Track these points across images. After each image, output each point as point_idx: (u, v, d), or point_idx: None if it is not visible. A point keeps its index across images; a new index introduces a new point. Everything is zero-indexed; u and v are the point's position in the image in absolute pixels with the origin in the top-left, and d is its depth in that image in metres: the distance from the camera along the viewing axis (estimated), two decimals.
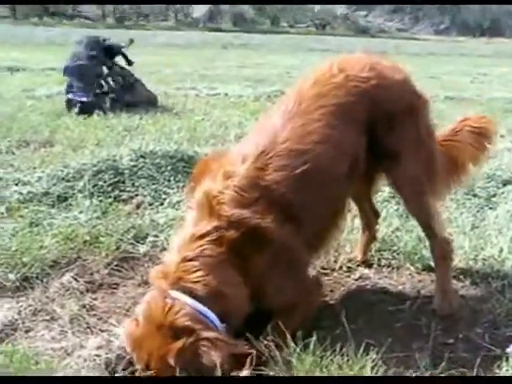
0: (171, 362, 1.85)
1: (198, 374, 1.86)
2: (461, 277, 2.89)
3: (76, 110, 6.76)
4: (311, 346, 2.01)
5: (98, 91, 7.08)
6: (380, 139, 2.45)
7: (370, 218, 3.06)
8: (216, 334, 1.93)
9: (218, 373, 1.83)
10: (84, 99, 6.87)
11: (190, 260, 2.05)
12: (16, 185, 3.90)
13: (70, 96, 6.94)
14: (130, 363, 2.05)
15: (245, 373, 1.90)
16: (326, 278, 2.86)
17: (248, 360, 1.93)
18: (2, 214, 3.43)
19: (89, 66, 7.14)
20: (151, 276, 2.17)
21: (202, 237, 2.09)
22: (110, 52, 7.51)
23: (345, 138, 2.35)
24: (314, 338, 2.06)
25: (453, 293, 2.66)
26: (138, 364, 1.97)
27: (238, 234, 2.10)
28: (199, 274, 2.03)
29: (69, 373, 2.04)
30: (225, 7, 46.61)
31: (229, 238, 2.09)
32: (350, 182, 2.46)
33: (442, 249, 2.64)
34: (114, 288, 2.76)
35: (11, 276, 2.72)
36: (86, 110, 6.74)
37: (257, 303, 2.18)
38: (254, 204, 2.14)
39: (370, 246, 3.09)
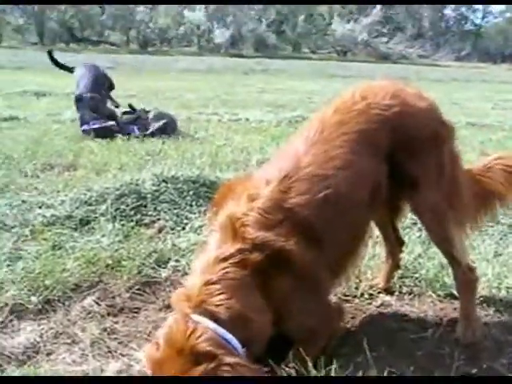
0: None
1: None
2: (484, 305, 2.85)
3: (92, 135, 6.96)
4: (332, 374, 1.99)
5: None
6: (401, 166, 2.44)
7: (394, 245, 3.03)
8: (238, 360, 1.90)
9: None
10: (97, 126, 7.03)
11: (213, 283, 2.03)
12: (40, 208, 3.95)
13: (86, 127, 7.08)
14: None
15: None
16: (348, 304, 2.84)
17: None
18: (26, 236, 3.47)
19: (99, 97, 7.39)
20: (173, 299, 2.16)
21: (225, 259, 2.08)
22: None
23: (366, 164, 2.35)
24: (335, 365, 2.04)
25: (477, 321, 2.62)
26: None
27: (261, 257, 2.08)
28: (222, 297, 2.00)
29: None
30: (247, 34, 47.20)
31: (252, 261, 2.08)
32: (371, 208, 2.45)
33: (465, 276, 2.60)
34: (136, 312, 2.77)
35: (34, 299, 2.75)
36: (101, 135, 6.91)
37: (278, 328, 2.16)
38: (278, 226, 2.14)
39: (393, 274, 3.06)
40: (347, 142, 2.31)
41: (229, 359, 1.87)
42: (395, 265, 3.04)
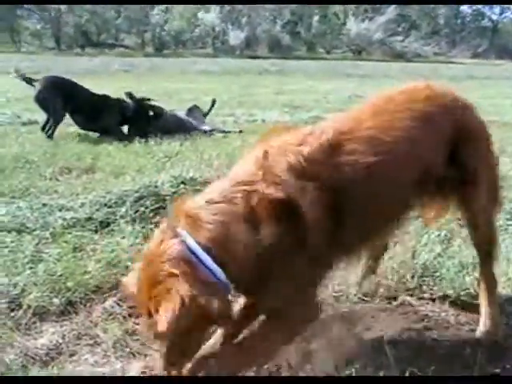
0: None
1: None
2: (505, 305, 2.82)
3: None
4: (353, 374, 1.99)
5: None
6: (461, 158, 2.41)
7: (378, 248, 3.01)
8: (193, 284, 1.74)
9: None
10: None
11: (216, 203, 1.89)
12: (60, 211, 3.99)
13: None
14: None
15: None
16: (367, 305, 2.83)
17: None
18: (47, 239, 3.50)
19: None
20: (173, 208, 2.01)
21: (239, 184, 1.93)
22: None
23: (426, 144, 2.29)
24: (357, 365, 2.04)
25: (498, 321, 2.60)
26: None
27: (276, 200, 1.89)
28: (217, 218, 1.86)
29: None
30: (261, 35, 47.22)
31: (265, 198, 1.89)
32: (415, 192, 2.35)
33: (490, 277, 2.61)
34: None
35: (56, 301, 2.78)
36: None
37: (252, 293, 2.03)
38: (310, 181, 1.94)
39: (367, 279, 2.99)
40: (412, 118, 2.25)
41: (182, 282, 1.73)
42: (372, 270, 3.01)
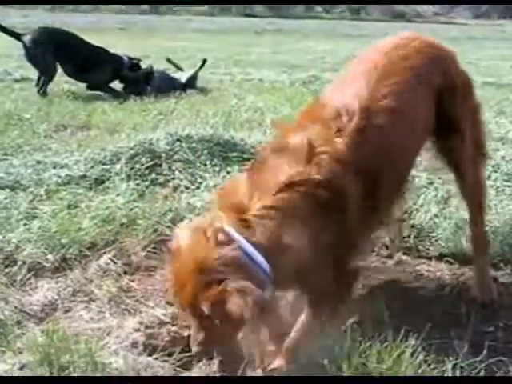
0: (205, 310, 1.75)
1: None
2: (501, 264, 2.83)
3: None
4: (349, 331, 1.99)
5: None
6: (445, 111, 2.39)
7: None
8: (246, 285, 1.74)
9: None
10: None
11: (271, 208, 1.87)
12: (54, 168, 3.95)
13: None
14: (168, 343, 2.07)
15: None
16: (364, 263, 2.83)
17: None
18: (41, 196, 3.47)
19: None
20: (220, 201, 1.99)
21: (292, 185, 1.90)
22: None
23: (425, 100, 2.31)
24: (352, 321, 2.04)
25: (492, 280, 2.62)
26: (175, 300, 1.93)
27: (326, 194, 1.91)
28: (274, 224, 1.86)
29: (106, 353, 2.06)
30: None
31: (317, 195, 1.90)
32: (420, 147, 2.42)
33: (482, 235, 2.61)
34: (151, 270, 2.78)
35: (50, 257, 2.77)
36: None
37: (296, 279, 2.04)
38: (351, 166, 1.97)
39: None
40: (412, 77, 2.24)
41: (236, 284, 1.73)
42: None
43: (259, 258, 1.82)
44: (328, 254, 1.98)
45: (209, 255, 1.77)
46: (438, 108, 2.36)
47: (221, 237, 1.81)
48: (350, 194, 1.96)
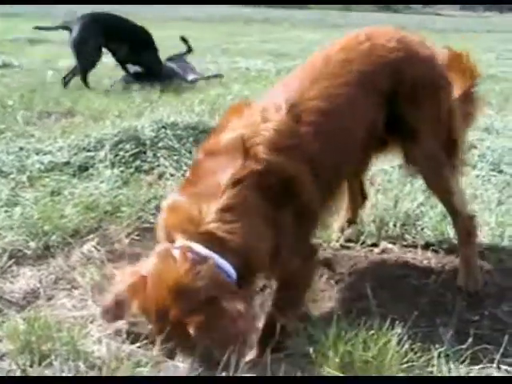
0: (192, 333, 1.68)
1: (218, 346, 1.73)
2: (487, 253, 2.83)
3: None
4: (334, 319, 1.97)
5: None
6: (400, 113, 2.38)
7: (356, 197, 3.01)
8: (235, 296, 1.74)
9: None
10: None
11: (230, 209, 1.83)
12: (37, 154, 3.90)
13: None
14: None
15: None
16: (350, 251, 2.83)
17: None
18: (24, 183, 3.43)
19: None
20: (169, 221, 1.93)
21: (239, 181, 1.88)
22: None
23: (366, 104, 2.29)
24: (339, 312, 2.03)
25: (478, 269, 2.61)
26: (153, 330, 1.80)
27: (274, 181, 1.93)
28: (237, 225, 1.82)
29: (89, 342, 2.03)
30: None
31: (266, 184, 1.91)
32: (366, 148, 2.40)
33: (465, 225, 2.59)
34: (135, 258, 2.74)
35: (32, 244, 2.73)
36: None
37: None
38: (291, 152, 2.00)
39: (347, 228, 3.02)
40: (350, 80, 2.24)
41: (228, 299, 1.71)
42: (352, 219, 3.02)
43: (227, 266, 1.80)
44: (289, 237, 1.99)
45: (186, 277, 1.70)
46: (389, 111, 2.35)
47: (192, 255, 1.75)
48: (295, 176, 1.98)
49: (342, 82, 2.23)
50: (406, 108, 2.37)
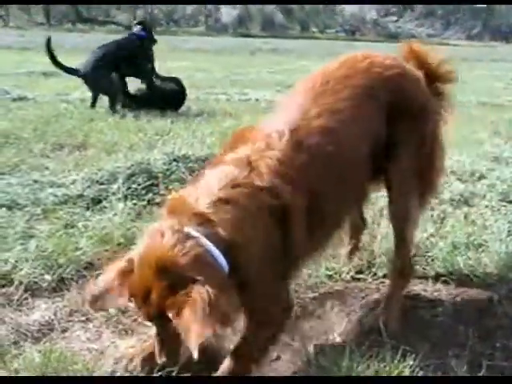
0: (171, 317, 1.67)
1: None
2: (498, 284, 2.83)
3: None
4: (347, 350, 1.99)
5: None
6: (388, 129, 2.37)
7: (358, 225, 3.02)
8: (220, 281, 1.72)
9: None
10: None
11: (226, 203, 1.86)
12: (51, 187, 3.94)
13: None
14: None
15: None
16: (361, 283, 2.84)
17: None
18: (38, 215, 3.47)
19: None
20: (169, 207, 1.96)
21: (240, 185, 1.91)
22: None
23: (370, 116, 2.31)
24: (352, 345, 2.04)
25: (398, 309, 2.53)
26: (141, 316, 1.84)
27: (272, 202, 1.92)
28: (230, 217, 1.84)
29: (103, 373, 2.05)
30: (254, 12, 46.74)
31: (264, 201, 1.91)
32: (371, 166, 2.35)
33: (403, 262, 2.58)
34: None
35: (47, 277, 2.76)
36: None
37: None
38: (290, 182, 1.98)
39: (353, 256, 3.01)
40: (352, 95, 2.26)
41: (210, 283, 1.66)
42: (355, 246, 3.02)
43: (217, 252, 1.78)
44: (274, 263, 1.96)
45: (169, 253, 1.70)
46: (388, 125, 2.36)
47: (179, 235, 1.75)
48: (292, 204, 1.96)
49: (343, 97, 2.24)
50: (394, 125, 2.38)
